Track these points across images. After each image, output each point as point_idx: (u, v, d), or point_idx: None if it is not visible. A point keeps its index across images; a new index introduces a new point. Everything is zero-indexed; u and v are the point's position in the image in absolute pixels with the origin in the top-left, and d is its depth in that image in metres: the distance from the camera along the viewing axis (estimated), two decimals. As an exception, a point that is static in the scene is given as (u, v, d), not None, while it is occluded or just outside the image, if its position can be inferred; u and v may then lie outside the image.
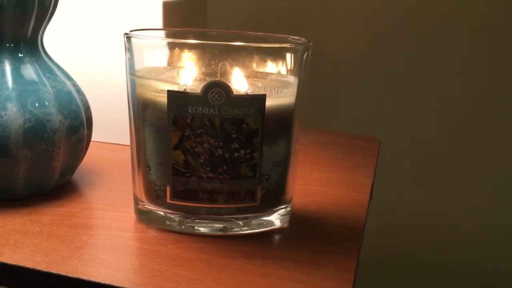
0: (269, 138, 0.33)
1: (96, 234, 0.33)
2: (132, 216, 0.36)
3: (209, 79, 0.31)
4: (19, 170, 0.36)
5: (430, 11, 0.71)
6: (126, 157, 0.44)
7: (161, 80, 0.33)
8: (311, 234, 0.35)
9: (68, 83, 0.39)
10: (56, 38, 0.49)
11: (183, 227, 0.34)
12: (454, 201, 0.77)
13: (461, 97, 0.73)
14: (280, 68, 0.34)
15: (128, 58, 0.34)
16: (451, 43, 0.71)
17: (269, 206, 0.35)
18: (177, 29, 0.44)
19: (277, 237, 0.35)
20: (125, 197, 0.39)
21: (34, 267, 0.29)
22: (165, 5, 0.48)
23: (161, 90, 0.32)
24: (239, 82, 0.33)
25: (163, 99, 0.31)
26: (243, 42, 0.34)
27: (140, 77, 0.33)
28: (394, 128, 0.75)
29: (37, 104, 0.36)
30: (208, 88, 0.31)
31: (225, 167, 0.32)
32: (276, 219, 0.35)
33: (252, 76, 0.33)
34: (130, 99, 0.34)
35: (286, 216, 0.36)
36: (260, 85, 0.33)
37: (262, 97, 0.32)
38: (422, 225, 0.79)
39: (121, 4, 0.48)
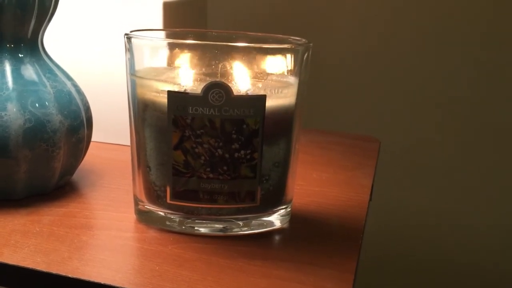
0: (269, 139, 0.33)
1: (96, 234, 0.33)
2: (132, 216, 0.36)
3: (209, 80, 0.31)
4: (19, 171, 0.36)
5: (430, 11, 0.71)
6: (126, 158, 0.44)
7: (161, 81, 0.33)
8: (311, 235, 0.35)
9: (68, 84, 0.39)
10: (56, 38, 0.49)
11: (183, 227, 0.34)
12: (454, 201, 0.77)
13: (461, 97, 0.73)
14: (280, 69, 0.34)
15: (128, 58, 0.34)
16: (451, 43, 0.71)
17: (269, 206, 0.35)
18: (177, 29, 0.44)
19: (277, 237, 0.35)
20: (125, 197, 0.39)
21: (34, 267, 0.29)
22: (165, 6, 0.48)
23: (161, 90, 0.32)
24: (239, 82, 0.33)
25: (163, 99, 0.31)
26: (244, 43, 0.34)
27: (140, 77, 0.33)
28: (394, 128, 0.75)
29: (37, 105, 0.36)
30: (208, 88, 0.31)
31: (225, 168, 0.32)
32: (276, 219, 0.35)
33: (252, 76, 0.33)
34: (130, 99, 0.34)
35: (286, 217, 0.36)
36: (260, 86, 0.33)
37: (262, 98, 0.32)
38: (422, 225, 0.79)
39: (121, 4, 0.48)
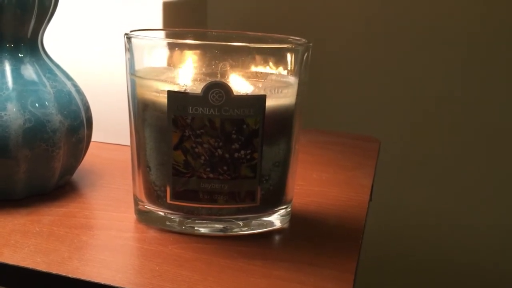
0: (269, 139, 0.33)
1: (96, 234, 0.33)
2: (132, 216, 0.36)
3: (209, 80, 0.31)
4: (19, 170, 0.36)
5: (430, 11, 0.71)
6: (126, 158, 0.44)
7: (161, 81, 0.33)
8: (311, 235, 0.35)
9: (68, 83, 0.39)
10: (56, 38, 0.49)
11: (183, 227, 0.34)
12: (454, 201, 0.77)
13: (461, 97, 0.73)
14: (280, 69, 0.34)
15: (128, 58, 0.34)
16: (451, 43, 0.71)
17: (269, 206, 0.35)
18: (177, 29, 0.44)
19: (277, 237, 0.35)
20: (125, 197, 0.39)
21: (34, 267, 0.29)
22: (165, 5, 0.48)
23: (161, 90, 0.32)
24: (239, 82, 0.33)
25: (163, 99, 0.31)
26: (243, 43, 0.34)
27: (140, 77, 0.33)
28: (394, 128, 0.75)
29: (37, 104, 0.36)
30: (208, 88, 0.31)
31: (225, 168, 0.32)
32: (276, 219, 0.35)
33: (252, 76, 0.33)
34: (130, 99, 0.34)
35: (286, 217, 0.36)
36: (260, 86, 0.33)
37: (262, 98, 0.32)
38: (422, 225, 0.79)
39: (121, 4, 0.48)
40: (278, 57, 0.34)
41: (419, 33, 0.72)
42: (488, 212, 0.76)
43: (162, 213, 0.34)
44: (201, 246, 0.32)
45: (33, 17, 0.37)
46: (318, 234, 0.35)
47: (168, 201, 0.33)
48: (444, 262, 0.79)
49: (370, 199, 0.43)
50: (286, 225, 0.36)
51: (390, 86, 0.75)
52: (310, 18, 0.75)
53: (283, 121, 0.34)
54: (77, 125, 0.38)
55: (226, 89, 0.31)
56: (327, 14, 0.74)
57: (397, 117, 0.75)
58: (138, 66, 0.34)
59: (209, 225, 0.34)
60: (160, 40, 0.38)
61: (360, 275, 0.40)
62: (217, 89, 0.31)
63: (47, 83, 0.37)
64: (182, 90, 0.32)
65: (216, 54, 0.32)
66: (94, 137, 0.45)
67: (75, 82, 0.40)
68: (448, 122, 0.74)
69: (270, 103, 0.32)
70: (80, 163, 0.41)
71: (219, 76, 0.32)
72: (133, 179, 0.36)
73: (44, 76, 0.38)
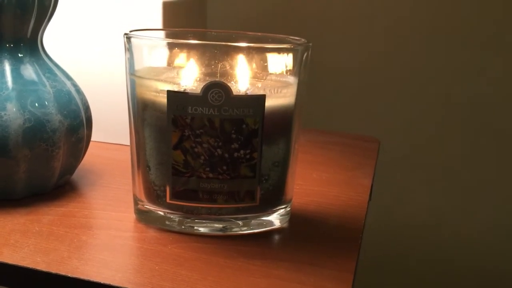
0: (268, 138, 0.33)
1: (96, 234, 0.33)
2: (131, 216, 0.36)
3: (208, 79, 0.31)
4: (18, 170, 0.36)
5: (430, 11, 0.71)
6: (125, 157, 0.44)
7: (161, 80, 0.33)
8: (310, 234, 0.35)
9: (68, 83, 0.39)
10: (56, 38, 0.49)
11: (182, 227, 0.34)
12: (454, 201, 0.77)
13: (461, 97, 0.73)
14: (280, 69, 0.34)
15: (128, 58, 0.34)
16: (451, 43, 0.71)
17: (269, 206, 0.35)
18: (177, 29, 0.44)
19: (276, 237, 0.35)
20: (124, 197, 0.39)
21: (33, 267, 0.29)
22: (165, 5, 0.48)
23: (161, 90, 0.32)
24: (238, 82, 0.33)
25: (163, 99, 0.31)
26: (243, 43, 0.34)
27: (140, 77, 0.33)
28: (394, 128, 0.75)
29: (36, 104, 0.36)
30: (207, 88, 0.31)
31: (224, 167, 0.32)
32: (275, 219, 0.35)
33: (252, 76, 0.33)
34: (130, 99, 0.35)
35: (286, 216, 0.36)
36: (259, 85, 0.33)
37: (262, 98, 0.32)
38: (421, 225, 0.79)
39: (121, 4, 0.48)
40: (277, 57, 0.34)
41: (419, 33, 0.72)
42: (488, 212, 0.76)
43: (161, 213, 0.34)
44: (201, 245, 0.32)
45: (33, 17, 0.37)
46: (317, 233, 0.35)
47: (168, 200, 0.33)
48: (444, 262, 0.79)
49: (370, 199, 0.43)
50: (285, 225, 0.36)
51: (390, 86, 0.75)
52: (310, 18, 0.75)
53: (282, 121, 0.34)
54: (77, 125, 0.38)
55: (226, 89, 0.31)
56: (327, 14, 0.74)
57: (397, 117, 0.75)
58: (137, 66, 0.34)
59: (208, 224, 0.34)
60: (159, 40, 0.38)
61: (360, 274, 0.40)
62: (216, 89, 0.31)
63: (47, 83, 0.37)
64: (182, 90, 0.32)
65: (216, 54, 0.32)
66: (94, 136, 0.45)
67: (75, 82, 0.40)
68: (448, 122, 0.74)
69: (269, 103, 0.32)
70: (80, 162, 0.41)
71: (218, 76, 0.32)
72: (133, 178, 0.36)
73: (44, 76, 0.38)
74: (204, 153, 0.32)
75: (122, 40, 0.34)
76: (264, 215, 0.35)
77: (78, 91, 0.40)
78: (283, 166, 0.35)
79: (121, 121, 0.46)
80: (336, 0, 0.73)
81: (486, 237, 0.77)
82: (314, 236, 0.35)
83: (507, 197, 0.75)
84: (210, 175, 0.32)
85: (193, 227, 0.34)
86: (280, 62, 0.34)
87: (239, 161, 0.32)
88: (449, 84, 0.73)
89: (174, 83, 0.33)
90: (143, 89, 0.33)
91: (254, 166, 0.32)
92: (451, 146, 0.75)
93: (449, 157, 0.75)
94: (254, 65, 0.33)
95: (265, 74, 0.34)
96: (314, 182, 0.45)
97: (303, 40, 0.35)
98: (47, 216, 0.35)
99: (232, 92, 0.31)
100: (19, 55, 0.37)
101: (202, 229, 0.34)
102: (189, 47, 0.34)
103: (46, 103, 0.36)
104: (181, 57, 0.33)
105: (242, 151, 0.32)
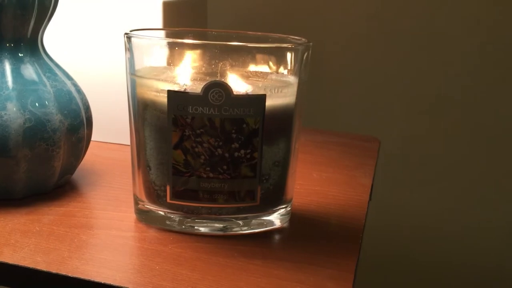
0: (269, 138, 0.33)
1: (96, 233, 0.33)
2: (132, 215, 0.36)
3: (209, 79, 0.31)
4: (19, 170, 0.36)
5: (430, 11, 0.71)
6: (126, 157, 0.44)
7: (161, 80, 0.33)
8: (311, 234, 0.35)
9: (68, 83, 0.39)
10: (56, 38, 0.49)
11: (183, 227, 0.34)
12: (454, 200, 0.77)
13: (461, 97, 0.73)
14: (280, 68, 0.34)
15: (128, 58, 0.34)
16: (451, 43, 0.71)
17: (269, 206, 0.35)
18: (177, 29, 0.44)
19: (277, 237, 0.35)
20: (125, 196, 0.39)
21: (34, 266, 0.29)
22: (165, 5, 0.48)
23: (161, 90, 0.32)
24: (239, 82, 0.33)
25: (163, 99, 0.31)
26: (243, 42, 0.34)
27: (140, 77, 0.33)
28: (394, 128, 0.75)
29: (37, 104, 0.36)
30: (208, 88, 0.31)
31: (225, 167, 0.32)
32: (276, 219, 0.35)
33: (252, 76, 0.33)
34: (130, 99, 0.34)
35: (286, 216, 0.36)
36: (260, 85, 0.33)
37: (262, 97, 0.32)
38: (421, 224, 0.79)
39: (121, 4, 0.48)
40: (278, 56, 0.34)
41: (419, 33, 0.72)
42: (488, 212, 0.76)
43: (162, 213, 0.34)
44: (201, 245, 0.32)
45: (33, 17, 0.37)
46: (318, 233, 0.35)
47: (168, 200, 0.33)
48: (444, 262, 0.80)
49: (370, 199, 0.43)
50: (286, 225, 0.36)
51: (390, 86, 0.75)
52: (310, 17, 0.75)
53: (283, 121, 0.34)
54: (77, 125, 0.38)
55: (226, 88, 0.31)
56: (327, 13, 0.74)
57: (397, 117, 0.75)
58: (138, 66, 0.34)
59: (209, 224, 0.34)
60: (160, 40, 0.38)
61: (360, 274, 0.40)
62: (217, 89, 0.31)
63: (47, 83, 0.37)
64: (182, 89, 0.32)
65: (216, 54, 0.32)
66: (94, 136, 0.45)
67: (75, 81, 0.40)
68: (448, 122, 0.74)
69: (270, 102, 0.32)
70: (80, 162, 0.41)
71: (219, 75, 0.32)
72: (133, 178, 0.36)
73: (44, 75, 0.38)
74: (204, 152, 0.32)
75: (122, 40, 0.34)
76: (264, 215, 0.35)
77: (79, 90, 0.40)
78: (283, 165, 0.35)
79: (121, 121, 0.46)
80: (337, 0, 0.73)
81: (486, 237, 0.77)
82: (314, 236, 0.35)
83: (507, 197, 0.75)
84: (211, 174, 0.32)
85: (194, 227, 0.34)
86: (281, 62, 0.34)
87: (240, 160, 0.32)
88: (449, 84, 0.73)
89: (175, 83, 0.33)
90: (144, 88, 0.33)
91: (254, 165, 0.32)
92: (451, 146, 0.75)
93: (449, 157, 0.75)
94: (254, 65, 0.33)
95: (266, 74, 0.34)
96: (315, 182, 0.45)
97: (303, 39, 0.35)
98: (47, 216, 0.35)
99: (232, 91, 0.31)
100: (20, 54, 0.37)
101: (202, 229, 0.34)
102: (190, 46, 0.34)
103: (47, 102, 0.36)
104: (182, 57, 0.33)
105: (242, 151, 0.32)
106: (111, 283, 0.28)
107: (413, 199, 0.78)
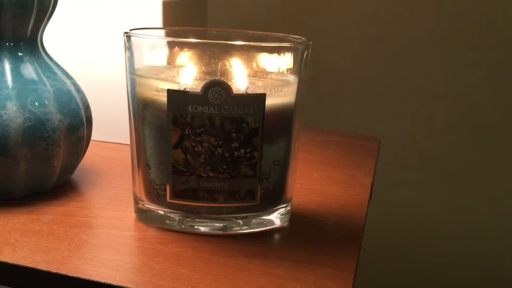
0: (269, 137, 0.33)
1: (96, 233, 0.33)
2: (132, 215, 0.36)
3: (209, 78, 0.31)
4: (18, 169, 0.36)
5: (430, 11, 0.71)
6: (126, 156, 0.44)
7: (161, 79, 0.33)
8: (311, 233, 0.35)
9: (68, 82, 0.39)
10: (56, 37, 0.49)
11: (183, 226, 0.34)
12: (454, 201, 0.77)
13: (461, 97, 0.73)
14: (280, 67, 0.34)
15: (128, 57, 0.34)
16: (451, 43, 0.71)
17: (269, 205, 0.35)
18: (177, 28, 0.44)
19: (277, 236, 0.35)
20: (125, 196, 0.39)
21: (34, 266, 0.29)
22: (165, 4, 0.48)
23: (161, 89, 0.32)
24: (239, 81, 0.32)
25: (163, 98, 0.31)
26: (243, 41, 0.34)
27: (140, 76, 0.33)
28: (394, 127, 0.75)
29: (36, 103, 0.36)
30: (208, 87, 0.31)
31: (225, 166, 0.32)
32: (276, 218, 0.35)
33: (252, 75, 0.33)
34: (130, 98, 0.34)
35: (286, 215, 0.36)
36: (260, 84, 0.33)
37: (262, 96, 0.32)
38: (421, 224, 0.79)
39: (121, 3, 0.48)
40: (278, 55, 0.34)
41: (419, 33, 0.72)
42: (488, 212, 0.76)
43: (162, 212, 0.34)
44: (201, 244, 0.32)
45: (32, 16, 0.37)
46: (318, 233, 0.35)
47: (168, 199, 0.33)
48: (444, 261, 0.79)
49: (370, 198, 0.43)
50: (286, 224, 0.36)
51: (390, 85, 0.75)
52: (310, 16, 0.75)
53: (283, 120, 0.34)
54: (77, 124, 0.38)
55: (226, 87, 0.31)
56: (327, 12, 0.74)
57: (397, 116, 0.75)
58: (137, 65, 0.34)
59: (209, 223, 0.34)
60: (159, 39, 0.38)
61: (360, 274, 0.40)
62: (216, 88, 0.31)
63: (47, 82, 0.37)
64: (182, 89, 0.32)
65: (216, 53, 0.32)
66: (94, 136, 0.45)
67: (75, 81, 0.40)
68: (448, 122, 0.74)
69: (269, 101, 0.32)
70: (80, 162, 0.41)
71: (218, 74, 0.32)
72: (133, 178, 0.36)
73: (44, 75, 0.38)
74: (204, 152, 0.32)
75: (122, 39, 0.34)
76: (264, 214, 0.35)
77: (78, 90, 0.40)
78: (283, 165, 0.34)
79: (121, 120, 0.46)
80: (336, -1, 0.73)
81: (486, 237, 0.77)
82: (314, 235, 0.35)
83: (507, 197, 0.75)
84: (211, 174, 0.32)
85: (194, 226, 0.34)
86: (281, 61, 0.34)
87: (240, 160, 0.32)
88: (449, 84, 0.73)
89: (174, 82, 0.33)
90: (143, 88, 0.33)
91: (254, 165, 0.32)
92: (451, 146, 0.75)
93: (449, 157, 0.75)
94: (254, 64, 0.33)
95: (265, 73, 0.34)
96: (315, 181, 0.45)
97: (303, 38, 0.35)
98: (47, 215, 0.35)
99: (232, 91, 0.31)
100: (19, 54, 0.37)
101: (202, 228, 0.34)
102: (189, 45, 0.34)
103: (46, 102, 0.36)
104: (181, 56, 0.33)
105: (242, 150, 0.32)
106: (111, 283, 0.28)
107: (413, 199, 0.78)
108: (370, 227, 0.53)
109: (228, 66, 0.32)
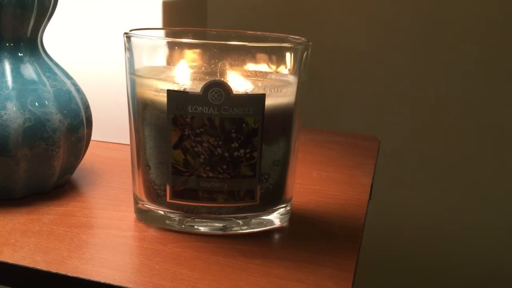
0: (268, 138, 0.33)
1: (96, 233, 0.33)
2: (132, 215, 0.36)
3: (208, 79, 0.31)
4: (19, 170, 0.36)
5: (430, 11, 0.71)
6: (126, 157, 0.44)
7: (161, 80, 0.33)
8: (310, 233, 0.35)
9: (68, 82, 0.39)
10: (56, 37, 0.49)
11: (182, 226, 0.34)
12: (454, 201, 0.77)
13: (461, 97, 0.73)
14: (279, 68, 0.34)
15: (128, 57, 0.34)
16: (451, 43, 0.71)
17: (269, 205, 0.35)
18: (176, 28, 0.44)
19: (276, 236, 0.35)
20: (125, 196, 0.39)
21: (34, 266, 0.29)
22: (165, 5, 0.48)
23: (161, 89, 0.32)
24: (238, 81, 0.33)
25: (163, 98, 0.31)
26: (243, 42, 0.34)
27: (139, 76, 0.33)
28: (394, 127, 0.75)
29: (36, 104, 0.36)
30: (207, 87, 0.31)
31: (224, 167, 0.32)
32: (275, 218, 0.35)
33: (252, 75, 0.33)
34: (129, 98, 0.35)
35: (286, 215, 0.36)
36: (259, 85, 0.33)
37: (262, 97, 0.32)
38: (421, 224, 0.79)
39: (121, 4, 0.48)
40: (277, 56, 0.34)
41: (419, 33, 0.72)
42: (488, 212, 0.76)
43: (161, 212, 0.34)
44: (201, 244, 0.32)
45: (32, 16, 0.37)
46: (317, 233, 0.35)
47: (168, 200, 0.33)
48: (444, 261, 0.80)
49: (370, 198, 0.43)
50: (285, 224, 0.36)
51: (390, 85, 0.75)
52: (310, 17, 0.75)
53: (282, 120, 0.34)
54: (77, 124, 0.38)
55: (226, 88, 0.31)
56: (327, 13, 0.74)
57: (397, 116, 0.75)
58: (137, 65, 0.34)
59: (208, 223, 0.34)
60: (159, 39, 0.38)
61: (360, 274, 0.41)
62: (216, 88, 0.31)
63: (47, 82, 0.37)
64: (182, 89, 0.32)
65: (216, 53, 0.32)
66: (94, 136, 0.45)
67: (75, 81, 0.40)
68: (448, 122, 0.74)
69: (269, 102, 0.32)
70: (80, 162, 0.41)
71: (218, 75, 0.32)
72: (133, 178, 0.36)
73: (44, 75, 0.38)
74: (204, 152, 0.32)
75: (122, 39, 0.34)
76: (264, 214, 0.35)
77: (78, 90, 0.40)
78: (283, 165, 0.35)
79: (121, 120, 0.47)
80: (336, -1, 0.73)
81: (486, 237, 0.77)
82: (314, 235, 0.35)
83: (507, 197, 0.75)
84: (210, 174, 0.32)
85: (193, 226, 0.34)
86: (280, 61, 0.34)
87: (239, 160, 0.32)
88: (449, 84, 0.73)
89: (174, 83, 0.33)
90: (143, 88, 0.33)
91: (254, 165, 0.32)
92: (451, 146, 0.75)
93: (448, 157, 0.75)
94: (254, 64, 0.33)
95: (265, 73, 0.34)
96: (314, 181, 0.45)
97: (303, 39, 0.35)
98: (47, 216, 0.35)
99: (232, 91, 0.31)
100: (19, 54, 0.37)
101: (202, 228, 0.34)
102: (189, 46, 0.34)
103: (46, 102, 0.36)
104: (181, 56, 0.33)
105: (242, 150, 0.32)
106: (111, 283, 0.28)
107: (413, 199, 0.78)
108: (369, 227, 0.53)
109: (228, 67, 0.32)
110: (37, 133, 0.35)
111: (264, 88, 0.32)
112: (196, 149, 0.32)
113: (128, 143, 0.36)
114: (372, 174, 0.47)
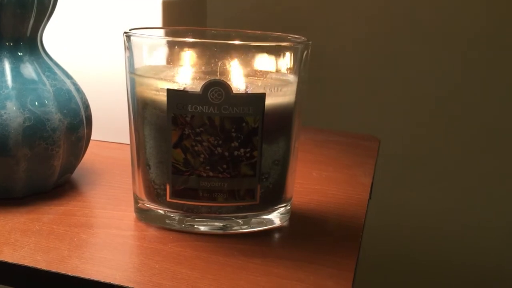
0: (268, 137, 0.33)
1: (96, 232, 0.33)
2: (132, 214, 0.36)
3: (208, 78, 0.31)
4: (18, 169, 0.36)
5: (430, 11, 0.71)
6: (126, 156, 0.44)
7: (161, 79, 0.33)
8: (310, 233, 0.35)
9: (68, 82, 0.39)
10: (56, 37, 0.49)
11: (183, 225, 0.34)
12: (454, 200, 0.77)
13: (461, 97, 0.73)
14: (279, 67, 0.34)
15: (128, 57, 0.34)
16: (451, 43, 0.71)
17: (269, 204, 0.35)
18: (176, 27, 0.44)
19: (276, 235, 0.35)
20: (125, 195, 0.39)
21: (34, 265, 0.29)
22: (165, 4, 0.48)
23: (161, 88, 0.32)
24: (238, 80, 0.33)
25: (163, 97, 0.31)
26: (243, 41, 0.34)
27: (139, 75, 0.33)
28: (394, 127, 0.75)
29: (36, 103, 0.36)
30: (207, 86, 0.31)
31: (224, 166, 0.32)
32: (275, 217, 0.35)
33: (252, 74, 0.33)
34: (129, 98, 0.34)
35: (286, 215, 0.36)
36: (259, 84, 0.33)
37: (262, 96, 0.32)
38: (421, 224, 0.79)
39: (121, 3, 0.48)
40: (277, 55, 0.34)
41: (419, 33, 0.72)
42: (488, 212, 0.76)
43: (161, 211, 0.34)
44: (201, 244, 0.32)
45: (32, 16, 0.37)
46: (317, 232, 0.35)
47: (168, 199, 0.33)
48: (444, 261, 0.79)
49: (370, 198, 0.43)
50: (285, 223, 0.36)
51: (390, 84, 0.75)
52: (310, 17, 0.75)
53: (282, 120, 0.34)
54: (77, 124, 0.38)
55: (226, 87, 0.31)
56: (327, 12, 0.74)
57: (397, 116, 0.75)
58: (137, 65, 0.34)
59: (208, 223, 0.34)
60: (159, 39, 0.38)
61: (360, 273, 0.41)
62: (216, 88, 0.31)
63: (47, 82, 0.37)
64: (182, 88, 0.32)
65: (216, 53, 0.32)
66: (94, 135, 0.45)
67: (75, 80, 0.40)
68: (448, 122, 0.74)
69: (269, 101, 0.32)
70: (80, 161, 0.41)
71: (218, 74, 0.32)
72: (133, 177, 0.36)
73: (44, 74, 0.38)
74: (204, 151, 0.32)
75: (122, 38, 0.34)
76: (264, 214, 0.35)
77: (78, 89, 0.40)
78: (283, 164, 0.35)
79: (121, 119, 0.46)
80: (336, -1, 0.73)
81: (486, 237, 0.77)
82: (314, 235, 0.35)
83: (507, 197, 0.75)
84: (210, 173, 0.32)
85: (193, 225, 0.34)
86: (280, 61, 0.34)
87: (239, 159, 0.32)
88: (449, 84, 0.73)
89: (174, 82, 0.33)
90: (143, 87, 0.33)
91: (254, 164, 0.32)
92: (451, 145, 0.75)
93: (448, 156, 0.75)
94: (254, 64, 0.33)
95: (265, 73, 0.34)
96: (314, 180, 0.45)
97: (303, 38, 0.35)
98: (47, 215, 0.35)
99: (232, 90, 0.31)
100: (19, 53, 0.37)
101: (202, 228, 0.34)
102: (189, 45, 0.34)
103: (46, 101, 0.36)
104: (181, 56, 0.33)
105: (242, 150, 0.32)
106: (111, 282, 0.28)
107: (413, 199, 0.78)
108: (369, 226, 0.53)
109: (227, 66, 0.32)
110: (37, 133, 0.35)
111: (264, 88, 0.32)
112: (196, 148, 0.32)
113: (128, 142, 0.36)
114: (372, 174, 0.47)
